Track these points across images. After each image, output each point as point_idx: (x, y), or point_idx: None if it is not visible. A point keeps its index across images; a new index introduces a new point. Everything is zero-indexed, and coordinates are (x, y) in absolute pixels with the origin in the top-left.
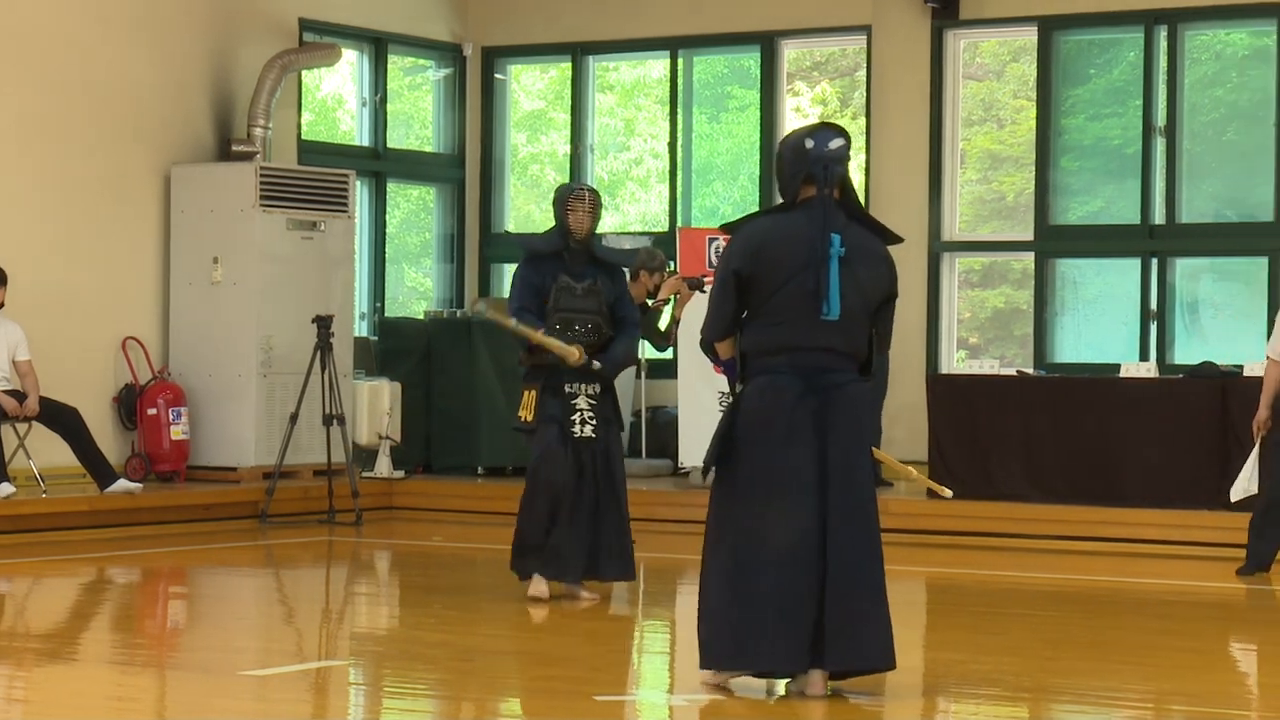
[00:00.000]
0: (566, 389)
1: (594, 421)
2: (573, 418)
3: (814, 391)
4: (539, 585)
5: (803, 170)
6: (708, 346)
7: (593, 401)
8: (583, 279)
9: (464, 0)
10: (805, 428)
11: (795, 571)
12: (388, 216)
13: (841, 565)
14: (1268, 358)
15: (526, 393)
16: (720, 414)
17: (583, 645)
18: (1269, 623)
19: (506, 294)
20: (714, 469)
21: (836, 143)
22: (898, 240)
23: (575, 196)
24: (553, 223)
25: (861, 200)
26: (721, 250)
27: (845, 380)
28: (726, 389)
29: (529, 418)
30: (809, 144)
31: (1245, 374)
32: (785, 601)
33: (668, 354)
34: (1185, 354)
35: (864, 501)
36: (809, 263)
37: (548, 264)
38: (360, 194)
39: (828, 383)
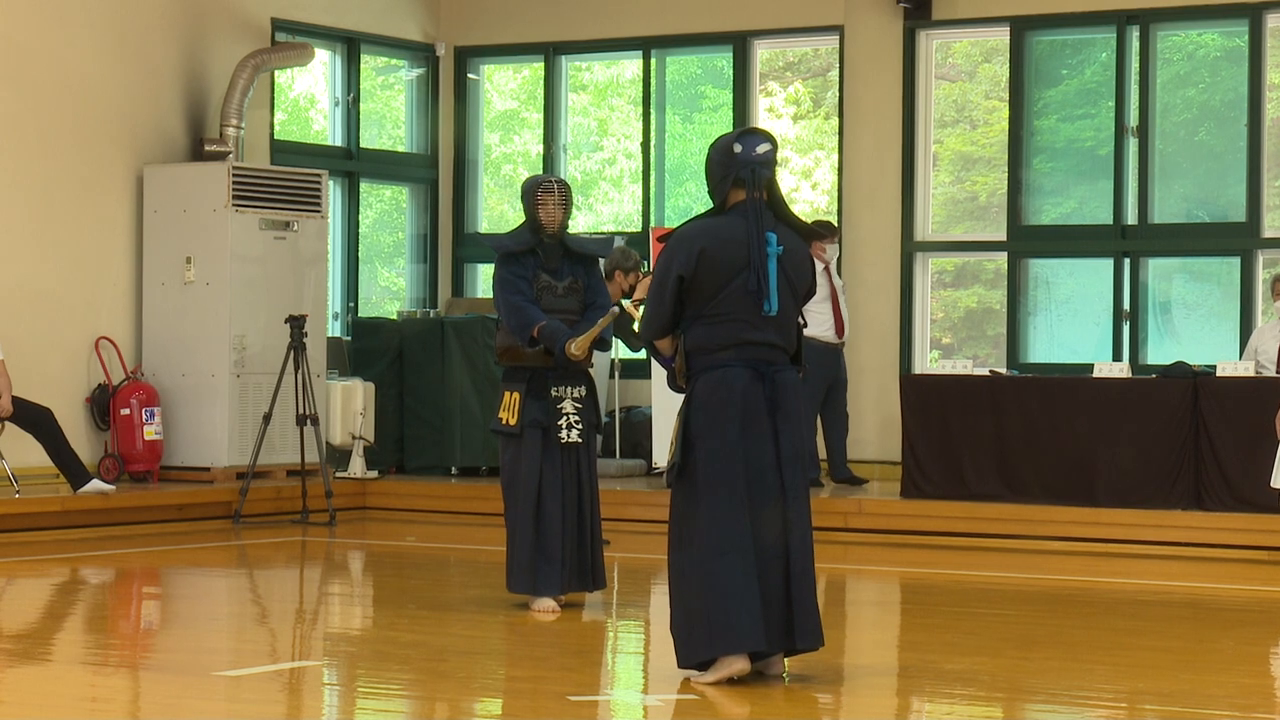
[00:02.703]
0: (552, 392)
1: (579, 426)
2: (559, 422)
3: (761, 379)
4: (546, 602)
5: (731, 174)
6: (649, 345)
7: (578, 405)
8: (562, 277)
9: (436, 0)
10: (759, 412)
11: (769, 555)
12: (360, 216)
13: (799, 548)
14: None
15: (507, 394)
16: None
17: (556, 645)
18: (1241, 622)
19: (479, 294)
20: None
21: (763, 147)
22: (817, 235)
23: (544, 189)
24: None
25: (839, 199)
26: (661, 255)
27: (786, 369)
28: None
29: (511, 420)
30: (737, 149)
31: (1218, 374)
32: (763, 584)
33: (641, 354)
34: (1158, 354)
35: (806, 487)
36: (750, 263)
37: (524, 262)
38: (333, 194)
39: (772, 372)
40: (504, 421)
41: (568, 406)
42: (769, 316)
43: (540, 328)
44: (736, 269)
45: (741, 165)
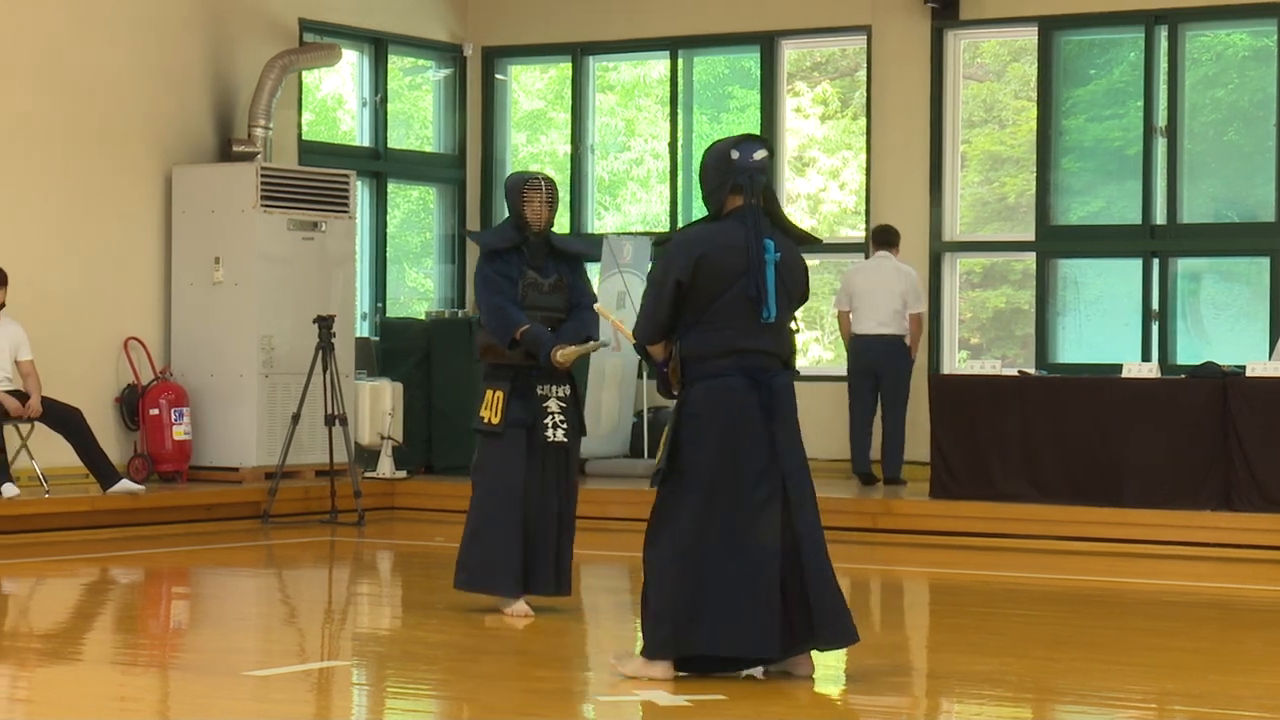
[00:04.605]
0: (538, 390)
1: (565, 426)
2: (544, 421)
3: (757, 388)
4: (522, 605)
5: (729, 180)
6: (641, 350)
7: (563, 405)
8: (548, 274)
9: (464, 0)
10: (754, 420)
11: (772, 560)
12: (388, 217)
13: (811, 551)
14: None
15: (490, 393)
16: None
17: (584, 646)
18: (1270, 623)
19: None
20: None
21: (760, 154)
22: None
23: (531, 186)
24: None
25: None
26: (659, 260)
27: (782, 376)
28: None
29: (494, 419)
30: (734, 155)
31: (1247, 374)
32: (761, 589)
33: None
34: (1187, 354)
35: (811, 489)
36: (748, 269)
37: (509, 259)
38: (361, 194)
39: (768, 379)
40: (486, 420)
41: (553, 405)
42: (766, 324)
43: (523, 331)
44: (734, 276)
45: (739, 171)
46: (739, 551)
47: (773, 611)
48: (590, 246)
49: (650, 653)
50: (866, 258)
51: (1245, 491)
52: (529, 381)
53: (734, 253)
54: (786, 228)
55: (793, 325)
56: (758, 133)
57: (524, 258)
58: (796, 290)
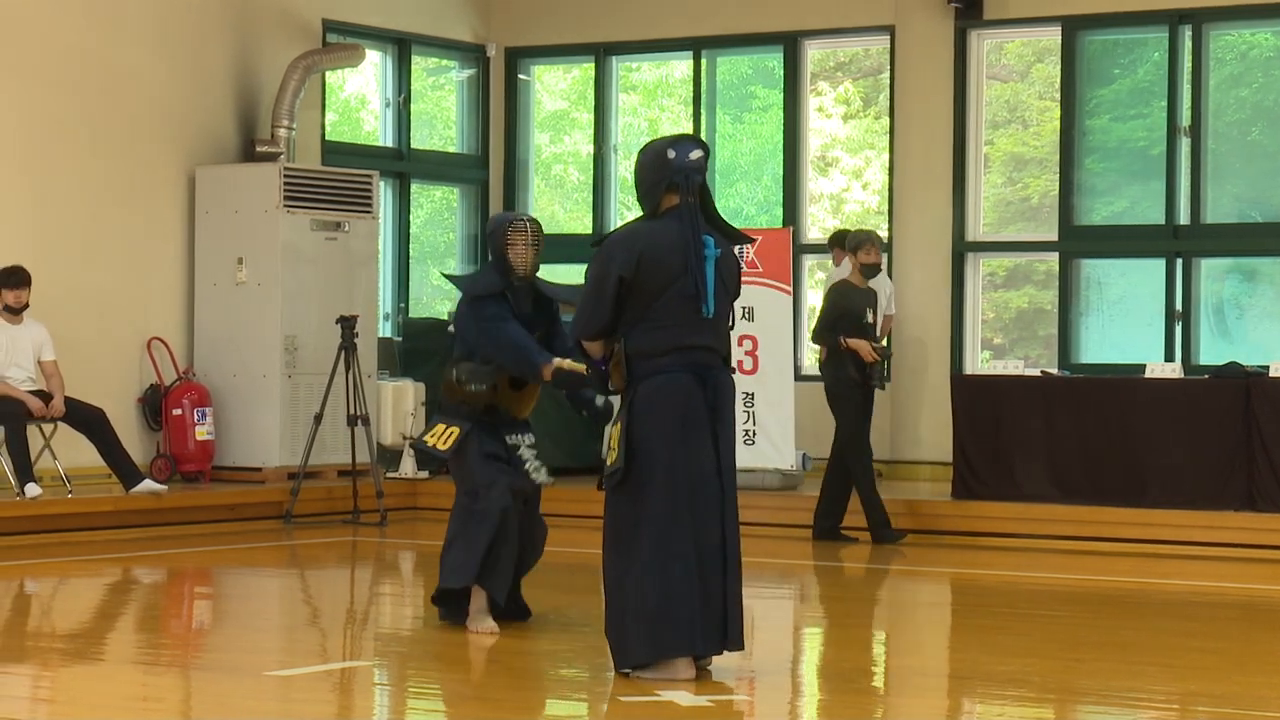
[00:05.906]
0: (507, 439)
1: (545, 468)
2: (525, 466)
3: (702, 384)
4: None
5: (665, 179)
6: (579, 346)
7: (533, 450)
8: (534, 326)
9: (487, 1)
10: (701, 418)
11: (711, 558)
12: (411, 217)
13: (734, 550)
14: None
15: (441, 426)
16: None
17: (606, 646)
18: None
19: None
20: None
21: (696, 154)
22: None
23: (515, 229)
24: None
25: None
26: (597, 257)
27: (723, 373)
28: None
29: (441, 446)
30: (671, 154)
31: (1270, 374)
32: (707, 587)
33: None
34: (1210, 354)
35: (735, 490)
36: (687, 266)
37: (492, 306)
38: (384, 194)
39: (711, 376)
40: (430, 444)
41: (525, 452)
42: (706, 320)
43: (554, 371)
44: (675, 273)
45: (675, 171)
46: (702, 550)
47: (716, 609)
48: (572, 292)
49: (655, 655)
50: (890, 260)
51: (1269, 492)
52: (495, 428)
53: (673, 251)
54: (721, 226)
55: (730, 323)
56: (774, 132)
57: (509, 305)
58: (733, 286)
